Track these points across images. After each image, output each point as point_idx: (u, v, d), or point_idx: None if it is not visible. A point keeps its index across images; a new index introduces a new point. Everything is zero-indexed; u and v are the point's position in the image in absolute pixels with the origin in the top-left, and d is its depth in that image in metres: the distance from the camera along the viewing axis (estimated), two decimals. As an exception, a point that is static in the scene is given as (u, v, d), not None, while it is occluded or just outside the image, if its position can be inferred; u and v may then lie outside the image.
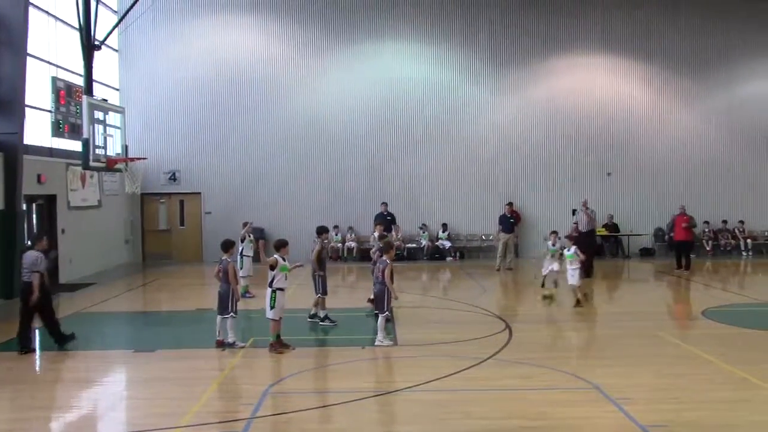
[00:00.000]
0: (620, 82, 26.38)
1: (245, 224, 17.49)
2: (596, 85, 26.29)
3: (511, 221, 23.17)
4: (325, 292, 13.67)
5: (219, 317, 11.97)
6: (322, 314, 13.65)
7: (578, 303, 15.37)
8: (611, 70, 26.37)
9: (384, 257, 12.15)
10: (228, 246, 12.36)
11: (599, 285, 19.60)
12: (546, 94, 26.26)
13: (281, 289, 11.51)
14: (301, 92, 26.02)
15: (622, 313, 14.76)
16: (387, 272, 11.91)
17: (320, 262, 13.56)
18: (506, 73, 26.16)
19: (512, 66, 26.15)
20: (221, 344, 11.83)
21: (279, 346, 11.50)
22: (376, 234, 15.53)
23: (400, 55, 26.05)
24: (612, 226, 25.88)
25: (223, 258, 12.09)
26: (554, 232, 17.30)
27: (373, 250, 14.28)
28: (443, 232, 25.95)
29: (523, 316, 14.80)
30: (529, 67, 26.19)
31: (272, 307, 11.44)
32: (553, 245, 16.73)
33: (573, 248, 15.83)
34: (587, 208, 20.31)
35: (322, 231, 13.95)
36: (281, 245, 11.76)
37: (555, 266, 16.32)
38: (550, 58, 26.22)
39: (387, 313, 11.98)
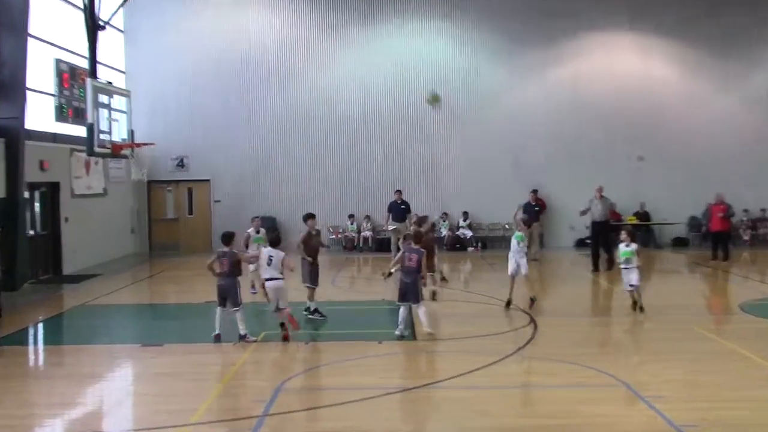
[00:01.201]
0: (651, 62, 26.10)
1: (254, 219, 17.26)
2: (626, 65, 26.02)
3: (535, 209, 23.07)
4: (312, 282, 13.65)
5: (220, 310, 12.08)
6: (308, 306, 13.70)
7: (635, 306, 13.80)
8: (641, 49, 26.10)
9: (415, 245, 12.19)
10: (230, 238, 12.44)
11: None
12: (572, 74, 26.07)
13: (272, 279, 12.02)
14: (315, 75, 26.01)
15: (653, 306, 14.64)
16: (423, 261, 12.04)
17: (307, 249, 13.57)
18: (530, 53, 25.96)
19: (537, 45, 25.92)
20: (219, 338, 11.94)
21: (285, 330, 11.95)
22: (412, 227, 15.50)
23: (419, 34, 25.92)
24: (643, 215, 25.72)
25: (227, 250, 12.16)
26: (525, 221, 14.84)
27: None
28: (464, 220, 25.91)
29: (549, 309, 14.71)
30: (554, 46, 25.98)
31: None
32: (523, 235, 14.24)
33: (633, 246, 13.68)
34: (602, 196, 20.10)
35: (307, 217, 14.01)
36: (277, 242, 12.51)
37: (522, 267, 14.06)
38: (577, 36, 26.01)
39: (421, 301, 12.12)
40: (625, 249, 13.69)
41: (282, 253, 12.16)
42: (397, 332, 11.98)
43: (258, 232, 16.35)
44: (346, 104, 26.01)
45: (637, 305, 13.83)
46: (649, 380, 9.54)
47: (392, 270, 12.75)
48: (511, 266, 14.31)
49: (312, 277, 13.66)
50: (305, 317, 13.52)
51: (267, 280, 12.09)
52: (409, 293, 12.04)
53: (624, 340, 12.80)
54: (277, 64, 26.00)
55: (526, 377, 10.23)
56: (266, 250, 12.33)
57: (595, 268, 19.86)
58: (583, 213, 20.29)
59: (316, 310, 13.74)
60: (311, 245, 13.64)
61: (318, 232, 14.11)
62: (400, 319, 12.09)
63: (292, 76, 26.02)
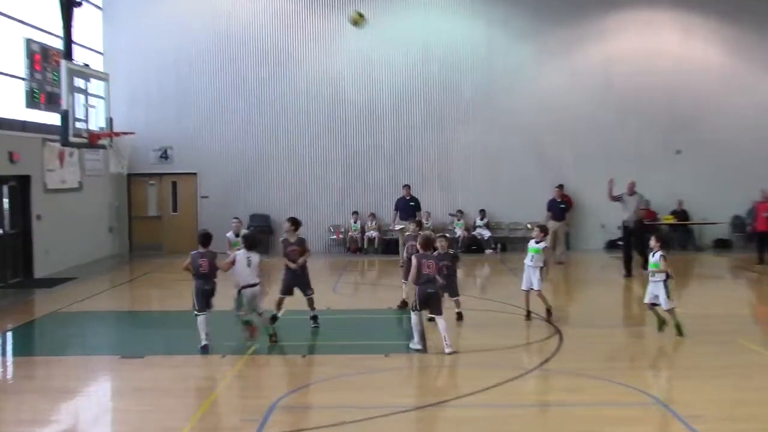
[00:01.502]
0: (691, 43, 25.99)
1: (233, 221, 16.94)
2: (662, 47, 25.89)
3: (561, 207, 23.02)
4: (282, 291, 13.64)
5: (205, 316, 12.09)
6: (274, 314, 13.65)
7: (661, 325, 12.90)
8: (680, 28, 25.98)
9: (427, 252, 12.16)
10: (209, 238, 12.49)
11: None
12: (602, 57, 25.97)
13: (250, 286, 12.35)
14: (314, 56, 25.98)
15: (692, 315, 14.58)
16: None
17: (286, 256, 13.61)
18: (557, 31, 25.85)
19: (565, 22, 25.83)
20: (207, 350, 11.95)
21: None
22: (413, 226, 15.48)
23: (430, 9, 25.87)
24: (681, 214, 25.66)
25: (204, 251, 12.24)
26: (541, 228, 15.00)
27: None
28: (481, 219, 25.87)
29: (576, 318, 14.72)
30: (581, 24, 25.90)
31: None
32: (537, 242, 14.45)
33: (658, 254, 12.73)
34: (634, 192, 19.98)
35: (285, 221, 14.07)
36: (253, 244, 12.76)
37: (534, 281, 14.27)
38: (607, 13, 25.90)
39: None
40: (651, 260, 12.98)
41: (258, 257, 12.38)
42: (417, 345, 11.94)
43: (237, 235, 16.05)
44: (349, 89, 25.95)
45: (663, 324, 12.88)
46: (687, 398, 9.51)
47: (406, 299, 12.85)
48: (525, 280, 14.39)
49: (285, 286, 13.57)
50: (311, 326, 13.59)
51: (244, 287, 12.22)
52: (432, 304, 11.99)
53: (659, 352, 12.73)
54: (273, 45, 25.96)
55: (550, 394, 10.21)
56: (243, 252, 12.40)
57: (628, 272, 19.79)
58: (615, 199, 20.07)
59: (313, 317, 13.75)
60: (286, 253, 13.57)
61: (301, 241, 13.74)
62: (414, 331, 12.04)
63: (289, 58, 25.98)
